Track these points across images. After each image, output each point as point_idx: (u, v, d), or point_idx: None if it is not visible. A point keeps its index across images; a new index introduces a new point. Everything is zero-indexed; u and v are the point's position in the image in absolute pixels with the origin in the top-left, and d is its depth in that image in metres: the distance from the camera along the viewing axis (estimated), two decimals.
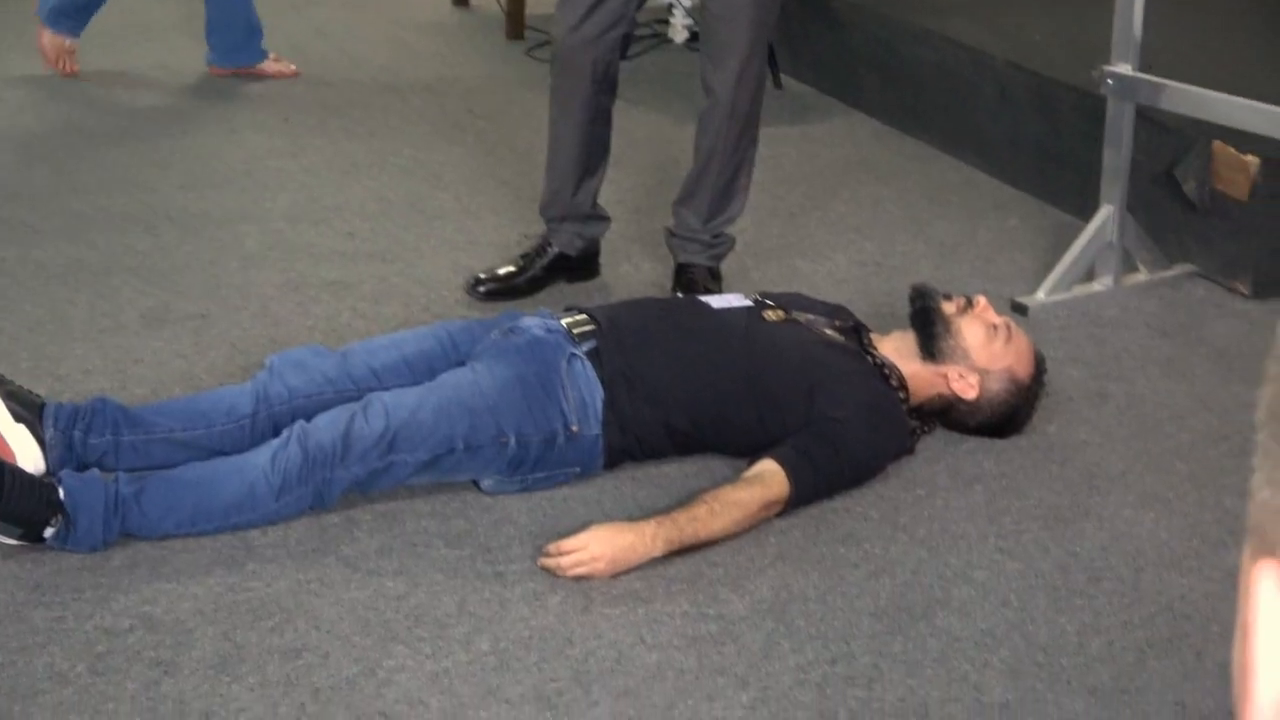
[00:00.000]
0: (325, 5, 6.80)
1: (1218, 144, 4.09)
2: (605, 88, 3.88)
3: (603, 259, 4.13)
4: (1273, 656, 0.56)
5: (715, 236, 3.99)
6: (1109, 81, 3.98)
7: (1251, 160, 4.02)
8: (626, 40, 3.88)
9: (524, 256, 4.05)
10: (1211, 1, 5.60)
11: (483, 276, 4.01)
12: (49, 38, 5.55)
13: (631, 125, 4.96)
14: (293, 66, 5.76)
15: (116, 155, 4.93)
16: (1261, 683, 0.56)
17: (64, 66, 5.57)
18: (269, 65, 5.73)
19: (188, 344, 3.72)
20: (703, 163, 3.93)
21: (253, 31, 5.70)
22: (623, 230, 4.31)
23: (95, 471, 2.98)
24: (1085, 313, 4.02)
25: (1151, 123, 4.22)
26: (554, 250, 4.03)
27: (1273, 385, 0.57)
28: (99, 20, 6.35)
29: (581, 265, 4.08)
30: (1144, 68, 3.98)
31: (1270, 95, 3.85)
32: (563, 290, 4.00)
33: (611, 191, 4.23)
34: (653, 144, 5.11)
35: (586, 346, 3.22)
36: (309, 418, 3.04)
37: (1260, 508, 0.57)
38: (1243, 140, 4.01)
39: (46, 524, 2.85)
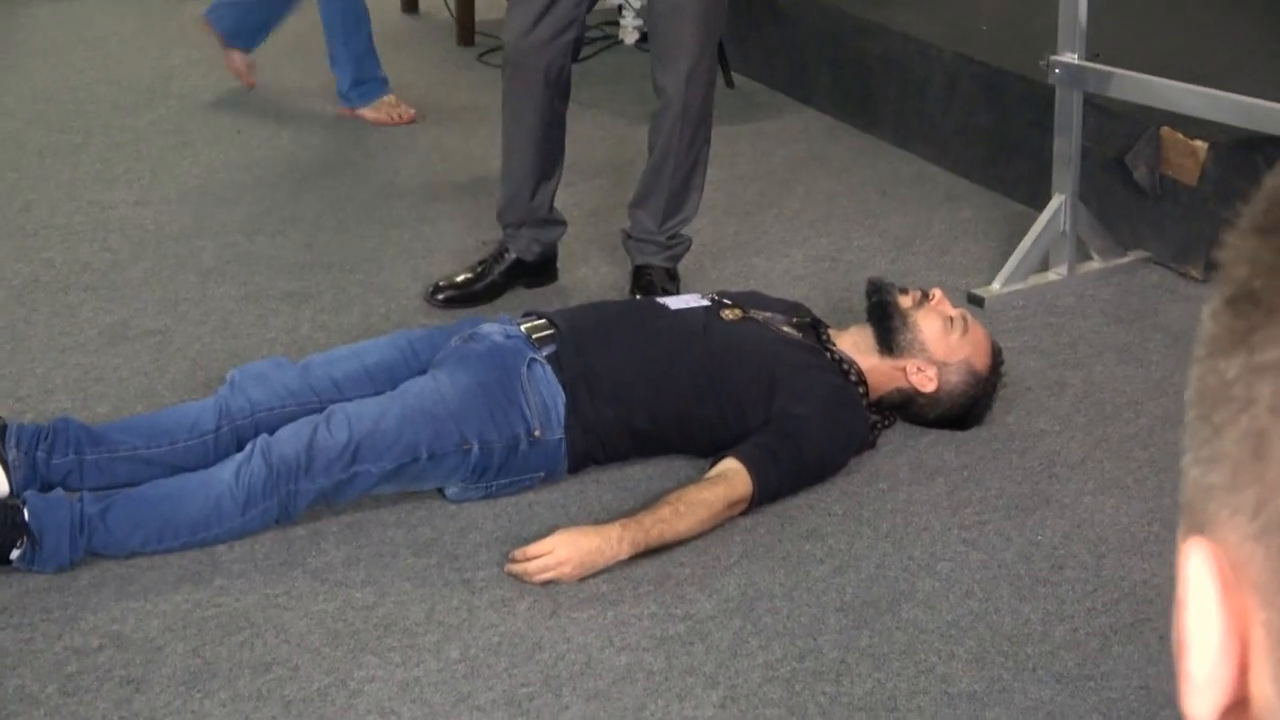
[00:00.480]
0: None
1: (1166, 130, 4.12)
2: (558, 92, 3.89)
3: (560, 263, 4.14)
4: (1201, 630, 0.58)
5: (671, 238, 4.00)
6: (1056, 71, 4.01)
7: (1200, 145, 4.05)
8: (578, 43, 3.89)
9: (481, 263, 4.06)
10: None
11: (441, 284, 4.02)
12: (231, 55, 5.56)
13: (584, 128, 4.97)
14: (411, 111, 5.41)
15: (68, 171, 4.92)
16: (1193, 656, 0.58)
17: (244, 79, 5.59)
18: (369, 111, 5.38)
19: (148, 360, 3.72)
20: (656, 164, 3.95)
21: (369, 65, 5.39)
22: (579, 233, 4.32)
23: (60, 491, 2.98)
24: (1041, 302, 4.05)
25: (1100, 110, 4.25)
26: (511, 256, 4.03)
27: (1199, 367, 0.59)
28: (47, 34, 6.34)
29: (539, 270, 4.09)
30: (1091, 56, 4.01)
31: (1216, 80, 3.89)
32: (521, 296, 4.02)
33: (567, 195, 4.24)
34: (606, 146, 5.12)
35: (546, 351, 3.23)
36: (272, 431, 3.05)
37: (1190, 486, 0.59)
38: (1191, 125, 4.05)
39: (12, 545, 2.85)
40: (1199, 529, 0.58)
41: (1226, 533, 0.57)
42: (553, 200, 4.04)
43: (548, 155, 3.97)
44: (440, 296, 3.99)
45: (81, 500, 2.92)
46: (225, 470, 2.99)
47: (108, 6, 6.83)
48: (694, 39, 3.80)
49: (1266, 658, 0.56)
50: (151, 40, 6.35)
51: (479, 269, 4.04)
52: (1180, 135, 4.09)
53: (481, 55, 6.08)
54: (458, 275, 4.04)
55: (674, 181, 3.93)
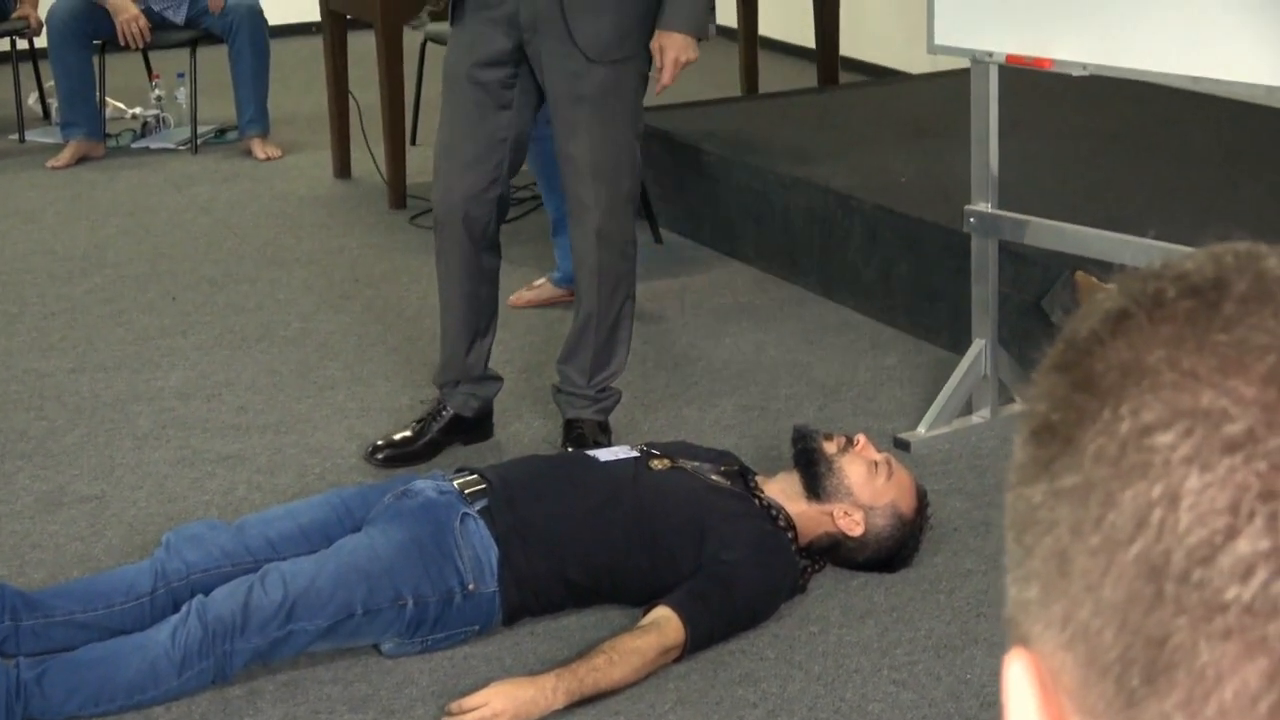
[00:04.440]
0: (208, 181, 6.87)
1: (1080, 274, 4.23)
2: (486, 246, 3.95)
3: (495, 418, 4.20)
4: None
5: (600, 391, 4.06)
6: (971, 220, 4.12)
7: (1113, 288, 4.15)
8: (503, 201, 3.96)
9: (420, 421, 4.10)
10: (1062, 138, 5.79)
11: (380, 444, 4.06)
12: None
13: (515, 285, 5.06)
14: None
15: (3, 341, 4.95)
16: None
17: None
18: None
19: (84, 526, 3.74)
20: (581, 321, 4.02)
21: None
22: (512, 388, 4.38)
23: None
24: (966, 445, 4.13)
25: (1017, 257, 4.36)
26: (449, 413, 4.08)
27: (1011, 494, 0.66)
28: None
29: (476, 426, 4.14)
30: (1005, 204, 4.13)
31: (1127, 224, 4.00)
32: (456, 452, 4.06)
33: (500, 351, 4.30)
34: None
35: (479, 505, 3.28)
36: (208, 592, 3.07)
37: (1011, 603, 0.65)
38: (1104, 268, 4.15)
39: None
40: (1022, 642, 0.65)
41: (1042, 644, 0.63)
42: (488, 357, 4.10)
43: (481, 312, 4.03)
44: (380, 456, 4.03)
45: (18, 666, 2.93)
46: (161, 632, 3.01)
47: (42, 180, 6.91)
48: (593, 196, 3.86)
49: None
50: (85, 212, 6.42)
51: (418, 427, 4.08)
52: (1094, 278, 4.20)
53: (413, 218, 6.17)
54: (396, 434, 4.08)
55: (599, 337, 4.00)
